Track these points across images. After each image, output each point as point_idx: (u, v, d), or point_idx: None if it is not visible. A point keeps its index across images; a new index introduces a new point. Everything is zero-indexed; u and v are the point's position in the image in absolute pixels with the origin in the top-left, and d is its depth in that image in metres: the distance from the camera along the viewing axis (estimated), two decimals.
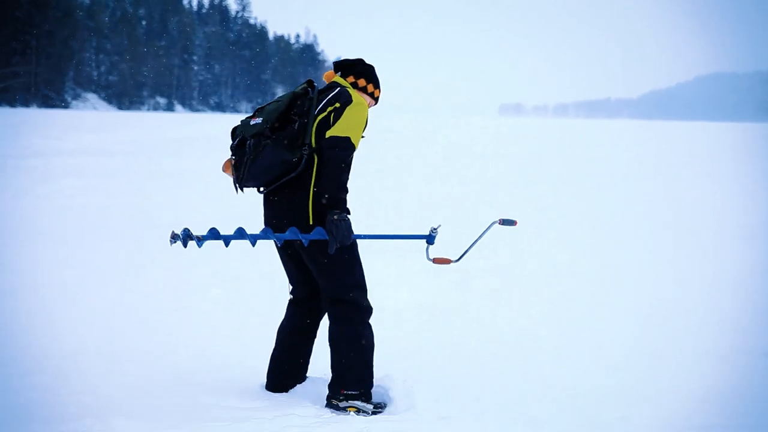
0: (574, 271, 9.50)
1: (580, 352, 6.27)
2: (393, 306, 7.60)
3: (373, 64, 5.36)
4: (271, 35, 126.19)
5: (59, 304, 7.34)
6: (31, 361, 5.69)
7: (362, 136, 5.09)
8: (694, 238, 12.14)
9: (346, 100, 4.95)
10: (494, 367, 5.87)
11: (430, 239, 5.25)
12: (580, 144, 42.26)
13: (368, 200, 14.91)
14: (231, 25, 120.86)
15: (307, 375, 5.35)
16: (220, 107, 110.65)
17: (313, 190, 4.92)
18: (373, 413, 4.98)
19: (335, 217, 4.80)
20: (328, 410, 5.00)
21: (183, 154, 24.45)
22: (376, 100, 5.32)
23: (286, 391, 5.23)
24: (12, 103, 75.99)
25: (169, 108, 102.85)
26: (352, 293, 4.98)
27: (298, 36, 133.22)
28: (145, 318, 6.99)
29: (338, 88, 5.05)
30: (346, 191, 4.89)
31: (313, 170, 4.93)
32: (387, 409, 5.04)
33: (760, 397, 5.41)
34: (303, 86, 5.05)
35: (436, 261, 5.32)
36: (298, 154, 4.89)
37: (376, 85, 5.28)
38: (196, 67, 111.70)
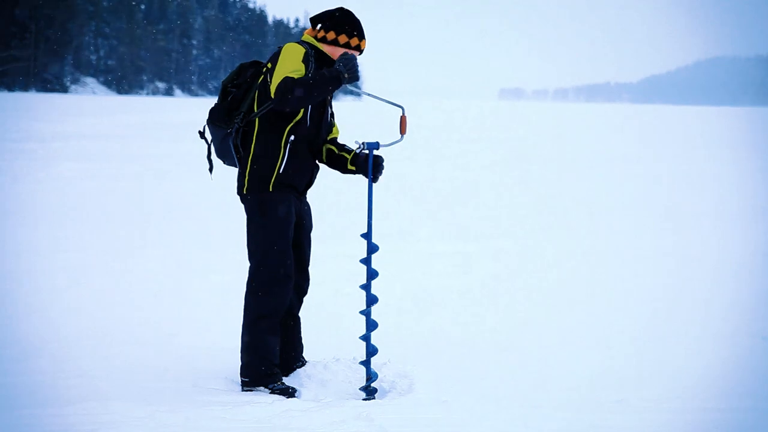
0: (575, 255, 9.50)
1: (579, 337, 6.27)
2: (392, 292, 7.60)
3: (350, 11, 4.95)
4: (270, 19, 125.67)
5: (58, 288, 7.34)
6: (30, 345, 5.70)
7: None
8: (695, 222, 12.14)
9: (275, 55, 4.84)
10: (494, 352, 5.87)
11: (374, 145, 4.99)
12: (580, 128, 42.19)
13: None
14: (230, 9, 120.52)
15: (306, 360, 5.34)
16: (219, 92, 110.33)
17: (252, 159, 4.88)
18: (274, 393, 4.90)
19: (337, 67, 4.70)
20: (327, 395, 4.99)
21: (183, 139, 24.42)
22: (358, 49, 4.94)
23: (287, 375, 5.21)
24: (11, 88, 75.77)
25: (169, 93, 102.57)
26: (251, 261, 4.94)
27: (297, 20, 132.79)
28: (144, 303, 7.00)
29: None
30: (309, 79, 4.66)
31: (252, 138, 4.89)
32: (389, 393, 5.02)
33: (759, 379, 5.42)
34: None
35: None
36: (232, 124, 4.91)
37: (351, 35, 4.91)
38: (195, 52, 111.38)
